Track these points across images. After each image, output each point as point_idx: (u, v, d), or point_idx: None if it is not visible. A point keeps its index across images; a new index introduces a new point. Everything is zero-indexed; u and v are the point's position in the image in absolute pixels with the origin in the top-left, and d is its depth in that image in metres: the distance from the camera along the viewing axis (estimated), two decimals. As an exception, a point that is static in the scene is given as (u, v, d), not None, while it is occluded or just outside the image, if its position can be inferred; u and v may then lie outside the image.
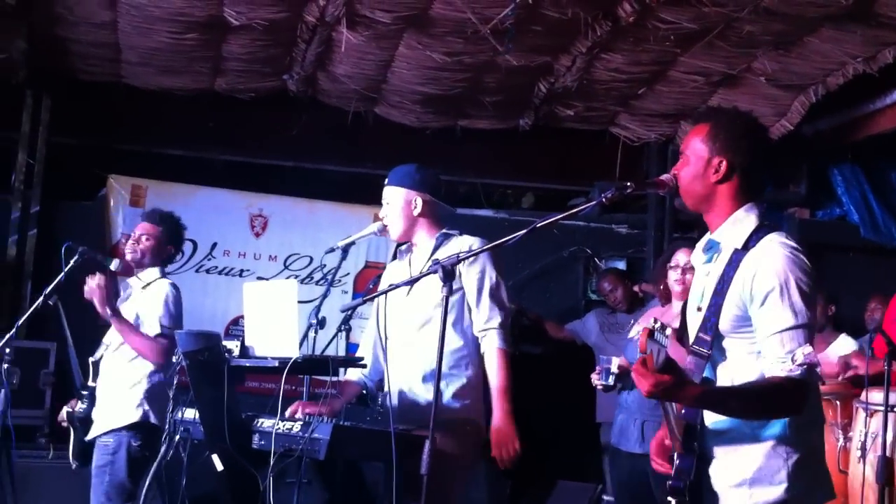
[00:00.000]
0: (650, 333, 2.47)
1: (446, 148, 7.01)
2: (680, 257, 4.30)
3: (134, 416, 4.54)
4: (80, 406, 4.69)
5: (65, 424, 4.81)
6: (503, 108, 6.88)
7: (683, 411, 2.58)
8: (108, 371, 4.68)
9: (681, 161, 2.73)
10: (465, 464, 3.68)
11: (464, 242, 3.73)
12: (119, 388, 4.60)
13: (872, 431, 3.56)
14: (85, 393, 4.68)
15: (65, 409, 4.79)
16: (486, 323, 3.67)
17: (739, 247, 2.59)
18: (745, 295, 2.52)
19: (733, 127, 2.67)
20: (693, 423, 2.58)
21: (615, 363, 4.18)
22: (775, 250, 2.54)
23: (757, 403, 2.50)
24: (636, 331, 3.44)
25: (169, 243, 4.83)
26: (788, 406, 2.48)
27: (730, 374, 2.59)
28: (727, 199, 2.65)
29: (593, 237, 7.38)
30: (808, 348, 2.45)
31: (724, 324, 2.56)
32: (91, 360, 4.74)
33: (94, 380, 4.70)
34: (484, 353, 3.69)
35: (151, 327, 4.61)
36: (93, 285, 4.52)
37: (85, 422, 4.65)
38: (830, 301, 5.77)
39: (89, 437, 4.61)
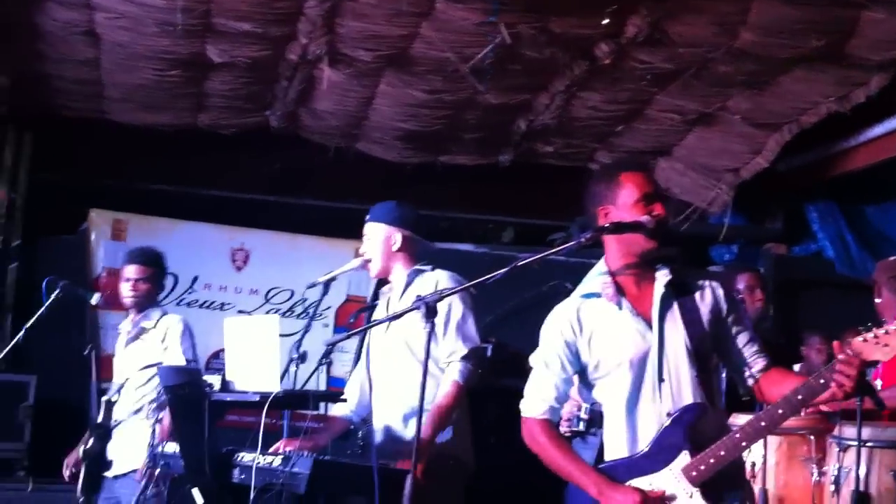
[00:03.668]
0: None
1: (427, 183, 7.03)
2: None
3: None
4: (90, 444, 4.66)
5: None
6: (483, 145, 6.95)
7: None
8: (128, 410, 4.68)
9: (659, 203, 2.82)
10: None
11: (432, 278, 3.74)
12: (143, 426, 4.59)
13: (846, 466, 3.61)
14: (97, 431, 4.67)
15: (80, 447, 4.75)
16: (449, 356, 3.66)
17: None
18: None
19: None
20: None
21: (584, 408, 3.97)
22: None
23: None
24: None
25: (161, 281, 4.92)
26: None
27: None
28: None
29: (573, 272, 7.33)
30: None
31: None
32: (104, 399, 4.72)
33: (107, 418, 4.68)
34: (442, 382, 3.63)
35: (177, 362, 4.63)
36: None
37: (96, 459, 4.60)
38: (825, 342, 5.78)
39: (114, 473, 4.59)
